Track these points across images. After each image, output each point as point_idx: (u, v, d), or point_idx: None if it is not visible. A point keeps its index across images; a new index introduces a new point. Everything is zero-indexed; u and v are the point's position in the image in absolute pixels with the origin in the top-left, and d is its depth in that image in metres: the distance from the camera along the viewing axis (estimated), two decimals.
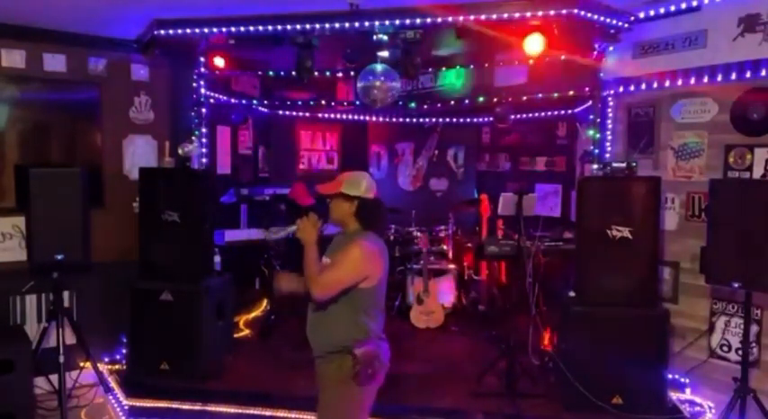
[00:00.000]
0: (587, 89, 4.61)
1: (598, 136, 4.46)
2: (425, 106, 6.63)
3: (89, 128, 4.95)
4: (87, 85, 4.88)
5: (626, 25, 4.15)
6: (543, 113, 6.16)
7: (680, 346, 4.10)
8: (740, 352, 3.52)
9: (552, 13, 3.79)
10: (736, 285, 3.36)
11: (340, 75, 5.32)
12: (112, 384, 4.32)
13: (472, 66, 5.74)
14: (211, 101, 5.35)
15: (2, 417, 3.72)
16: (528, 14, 3.82)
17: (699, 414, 3.82)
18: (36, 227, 3.92)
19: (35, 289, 4.57)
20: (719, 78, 3.87)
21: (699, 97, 4.03)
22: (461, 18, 3.94)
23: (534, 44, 4.00)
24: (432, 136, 7.39)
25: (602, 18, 3.97)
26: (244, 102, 6.26)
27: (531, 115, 6.31)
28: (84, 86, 4.87)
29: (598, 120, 4.46)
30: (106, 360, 4.71)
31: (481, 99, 5.73)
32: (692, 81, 4.02)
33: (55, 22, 4.50)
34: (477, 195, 6.59)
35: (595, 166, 4.36)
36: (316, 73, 4.57)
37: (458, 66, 5.77)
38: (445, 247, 6.23)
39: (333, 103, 6.91)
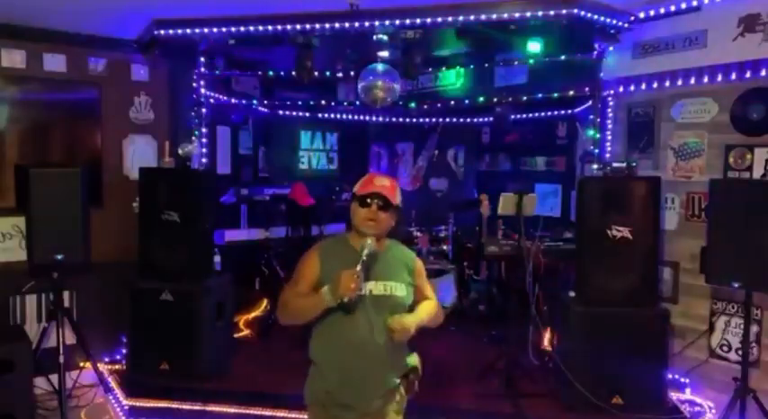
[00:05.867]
0: (587, 89, 4.60)
1: (598, 136, 4.46)
2: (425, 106, 6.63)
3: (89, 128, 4.94)
4: (87, 85, 4.88)
5: (626, 25, 4.15)
6: (543, 113, 6.16)
7: (680, 346, 4.10)
8: (740, 352, 3.52)
9: (552, 13, 3.79)
10: (736, 285, 3.37)
11: (340, 75, 5.32)
12: (112, 384, 4.32)
13: (472, 66, 5.74)
14: (211, 101, 5.35)
15: (2, 417, 3.72)
16: (528, 14, 3.82)
17: (699, 414, 3.82)
18: (36, 227, 3.92)
19: (35, 289, 4.57)
20: (719, 78, 3.87)
21: (699, 97, 4.03)
22: (461, 18, 3.94)
23: (534, 44, 4.01)
24: (432, 136, 7.39)
25: (602, 18, 3.96)
26: (244, 102, 6.26)
27: (531, 115, 6.31)
28: (84, 86, 4.87)
29: (598, 120, 4.46)
30: (106, 360, 4.71)
31: (481, 99, 5.73)
32: (692, 81, 4.02)
33: (55, 22, 4.50)
34: (477, 195, 6.58)
35: (595, 166, 4.36)
36: (316, 73, 4.57)
37: (458, 66, 5.77)
38: (445, 247, 6.23)
39: (333, 103, 6.91)
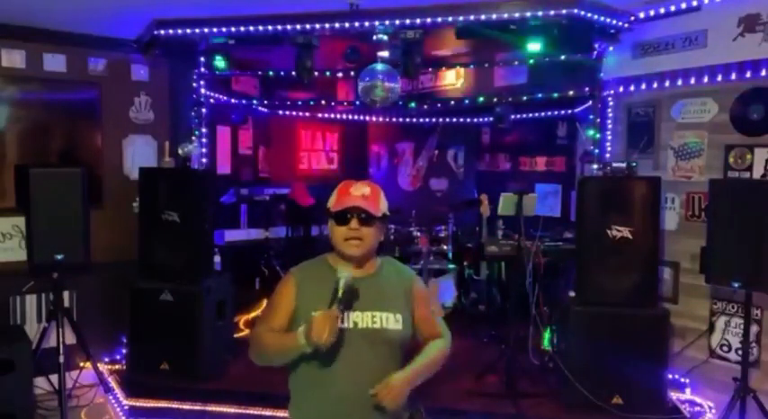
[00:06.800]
0: (587, 89, 4.61)
1: (598, 136, 4.46)
2: (425, 106, 6.63)
3: (89, 128, 4.94)
4: (87, 85, 4.88)
5: (626, 25, 4.15)
6: (543, 113, 6.16)
7: (680, 346, 4.09)
8: (740, 352, 3.52)
9: (552, 13, 3.79)
10: (736, 285, 3.36)
11: (340, 75, 5.32)
12: (112, 384, 4.31)
13: (472, 66, 5.74)
14: (211, 101, 5.35)
15: (2, 417, 3.72)
16: (528, 14, 3.82)
17: (699, 414, 3.82)
18: (36, 227, 3.92)
19: (35, 289, 4.57)
20: (719, 78, 3.86)
21: (699, 97, 4.03)
22: (461, 18, 3.94)
23: (534, 44, 4.01)
24: (432, 136, 7.39)
25: (602, 18, 3.97)
26: (244, 102, 6.26)
27: (531, 115, 6.31)
28: (84, 86, 4.87)
29: (598, 120, 4.46)
30: (106, 360, 4.71)
31: (481, 99, 5.73)
32: (692, 81, 4.01)
33: (55, 22, 4.50)
34: (477, 195, 6.59)
35: (595, 166, 4.36)
36: (316, 73, 4.57)
37: (458, 66, 5.77)
38: (445, 247, 6.23)
39: (333, 103, 6.92)
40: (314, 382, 1.98)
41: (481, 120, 7.00)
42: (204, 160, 5.12)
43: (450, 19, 3.96)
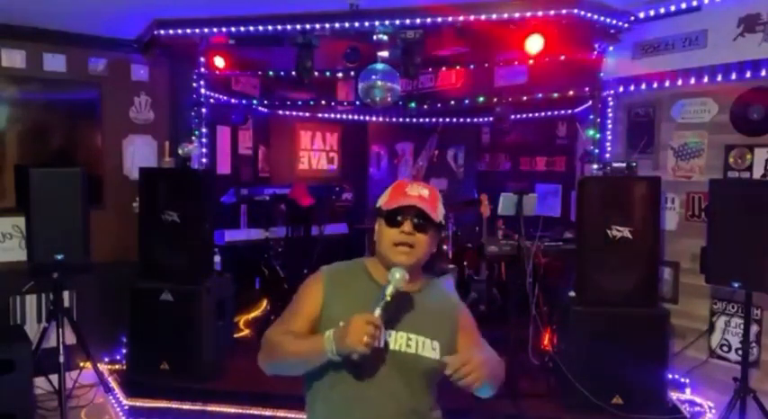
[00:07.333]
0: (587, 89, 4.60)
1: (598, 136, 4.46)
2: (425, 106, 6.63)
3: (89, 128, 4.94)
4: (87, 85, 4.88)
5: (626, 25, 4.15)
6: (543, 113, 6.16)
7: (680, 346, 4.09)
8: (740, 352, 3.52)
9: (552, 13, 3.79)
10: (736, 285, 3.37)
11: (340, 75, 5.32)
12: (112, 384, 4.32)
13: (472, 66, 5.74)
14: (211, 101, 5.35)
15: (2, 417, 3.72)
16: (528, 14, 3.82)
17: (699, 414, 3.82)
18: (36, 227, 3.93)
19: (35, 289, 4.57)
20: (719, 78, 3.86)
21: (699, 97, 4.03)
22: (461, 18, 3.95)
23: (534, 44, 4.00)
24: (432, 136, 7.38)
25: (602, 18, 3.97)
26: (244, 102, 6.26)
27: (531, 115, 6.31)
28: (84, 86, 4.87)
29: (598, 120, 4.45)
30: (106, 360, 4.71)
31: (481, 99, 5.73)
32: (692, 81, 4.01)
33: (55, 22, 4.50)
34: (477, 195, 6.58)
35: (595, 166, 4.35)
36: (316, 73, 4.57)
37: (458, 66, 5.77)
38: (445, 247, 6.23)
39: (333, 103, 6.91)
40: (332, 406, 1.75)
41: (481, 120, 7.00)
42: (204, 160, 5.12)
43: (450, 19, 3.96)
